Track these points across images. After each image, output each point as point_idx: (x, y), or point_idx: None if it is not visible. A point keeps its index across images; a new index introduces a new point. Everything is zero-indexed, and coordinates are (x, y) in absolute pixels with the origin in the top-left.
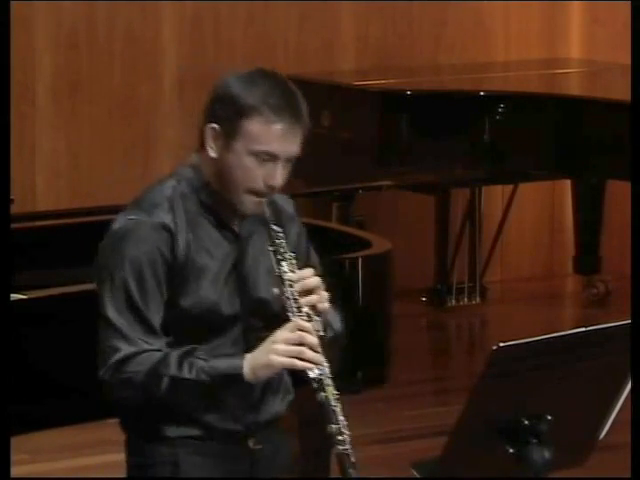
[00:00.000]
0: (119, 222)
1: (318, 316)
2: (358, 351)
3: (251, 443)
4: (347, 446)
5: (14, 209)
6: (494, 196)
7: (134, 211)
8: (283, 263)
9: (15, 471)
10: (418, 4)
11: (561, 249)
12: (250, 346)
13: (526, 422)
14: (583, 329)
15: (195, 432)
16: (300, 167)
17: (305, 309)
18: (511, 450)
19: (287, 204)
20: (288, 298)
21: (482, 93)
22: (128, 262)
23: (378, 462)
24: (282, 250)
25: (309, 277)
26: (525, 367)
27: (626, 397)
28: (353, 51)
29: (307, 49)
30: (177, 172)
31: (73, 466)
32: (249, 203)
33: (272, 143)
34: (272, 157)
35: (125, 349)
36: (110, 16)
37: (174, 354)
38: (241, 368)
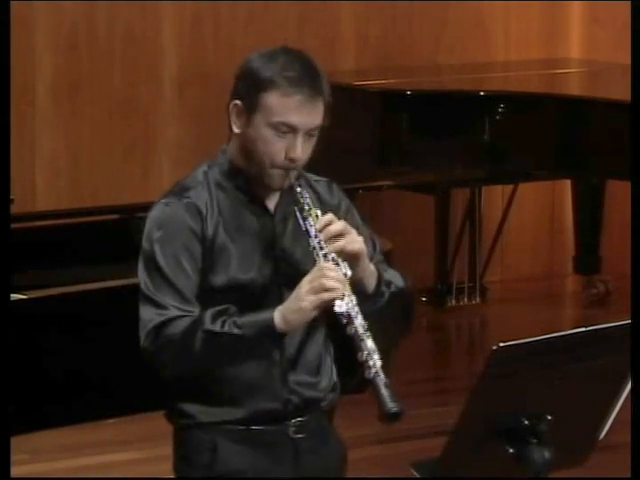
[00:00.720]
0: (154, 209)
1: (354, 265)
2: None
3: (291, 431)
4: (377, 368)
5: (14, 209)
6: (494, 196)
7: (167, 197)
8: (309, 218)
9: (15, 471)
10: (418, 4)
11: (561, 249)
12: None
13: (526, 422)
14: (583, 329)
15: (233, 415)
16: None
17: (332, 255)
18: (511, 450)
19: (328, 187)
20: (314, 248)
21: (482, 93)
22: (158, 240)
23: (378, 462)
24: (307, 207)
25: (332, 223)
26: (525, 367)
27: (626, 397)
28: (353, 51)
29: (307, 49)
30: (210, 160)
31: (73, 466)
32: (275, 176)
33: (290, 115)
34: (291, 129)
35: (160, 316)
36: (110, 16)
37: (208, 312)
38: (272, 318)
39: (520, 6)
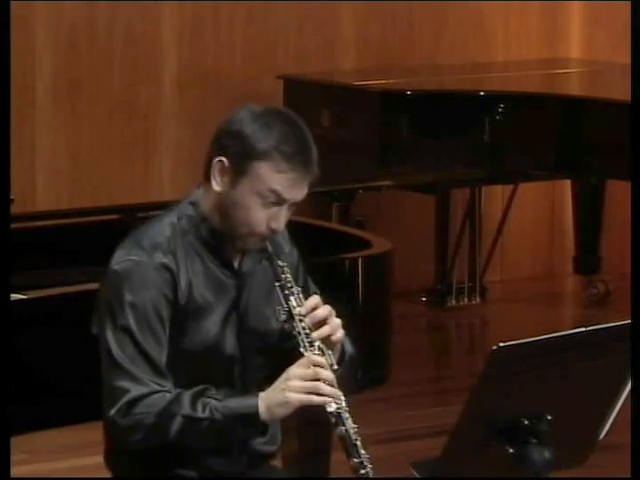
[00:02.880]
0: (119, 262)
1: (331, 349)
2: (358, 351)
3: (246, 472)
4: (365, 471)
5: (14, 209)
6: (494, 196)
7: (134, 250)
8: (291, 298)
9: (15, 471)
10: (418, 4)
11: (561, 249)
12: (247, 386)
13: (526, 422)
14: (583, 329)
15: (191, 474)
16: None
17: (317, 343)
18: (511, 450)
19: (282, 233)
20: (299, 333)
21: (482, 93)
22: (130, 306)
23: (378, 462)
24: (289, 285)
25: (317, 308)
26: (525, 367)
27: (626, 397)
28: (353, 51)
29: (307, 49)
30: (178, 208)
31: (73, 466)
32: (250, 242)
33: (281, 189)
34: (279, 201)
35: (135, 390)
36: (110, 16)
37: (187, 393)
38: (257, 407)
39: (520, 6)
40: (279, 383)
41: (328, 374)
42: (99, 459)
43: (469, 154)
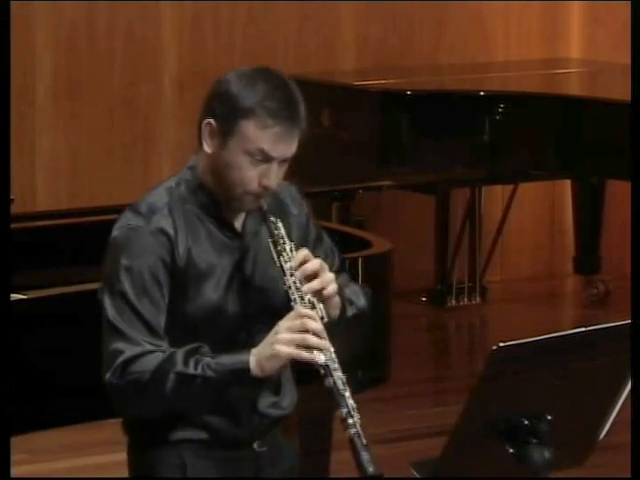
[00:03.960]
0: (118, 228)
1: (325, 303)
2: (358, 351)
3: (256, 445)
4: (357, 428)
5: (14, 209)
6: (494, 196)
7: (133, 217)
8: (283, 253)
9: (15, 471)
10: (418, 4)
11: (561, 249)
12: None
13: (526, 422)
14: (583, 329)
15: (201, 436)
16: (300, 167)
17: (308, 297)
18: (511, 450)
19: (290, 192)
20: (289, 287)
21: (482, 93)
22: (126, 270)
23: (378, 462)
24: (281, 241)
25: (308, 261)
26: (525, 367)
27: (626, 397)
28: (353, 51)
29: (307, 49)
30: (177, 175)
31: (73, 466)
32: (246, 201)
33: (267, 145)
34: (266, 158)
35: (129, 350)
36: (110, 16)
37: (180, 351)
38: (247, 362)
39: (520, 6)
40: (269, 337)
41: (316, 325)
42: (99, 459)
43: (469, 154)
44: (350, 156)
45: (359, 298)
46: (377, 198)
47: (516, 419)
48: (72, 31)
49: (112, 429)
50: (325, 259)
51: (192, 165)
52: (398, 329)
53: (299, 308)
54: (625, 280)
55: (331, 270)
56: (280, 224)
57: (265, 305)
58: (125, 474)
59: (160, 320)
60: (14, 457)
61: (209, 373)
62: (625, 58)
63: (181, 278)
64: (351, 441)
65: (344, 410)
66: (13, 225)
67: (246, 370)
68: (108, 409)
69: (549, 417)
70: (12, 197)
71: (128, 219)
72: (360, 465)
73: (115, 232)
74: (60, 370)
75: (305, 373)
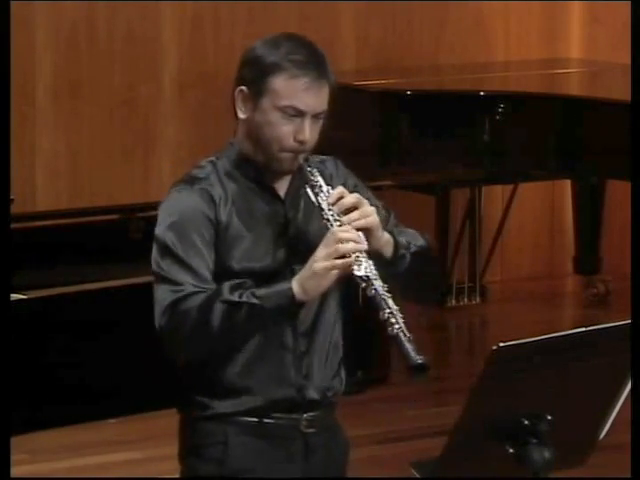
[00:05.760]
0: (166, 198)
1: (367, 236)
2: (358, 351)
3: (303, 426)
4: (401, 325)
5: (14, 209)
6: (494, 196)
7: (177, 185)
8: (321, 194)
9: (15, 471)
10: (418, 4)
11: (561, 249)
12: None
13: (526, 422)
14: (583, 329)
15: (245, 405)
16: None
17: (341, 219)
18: (511, 450)
19: (334, 165)
20: (327, 220)
21: (482, 93)
22: (170, 225)
23: (378, 462)
24: (318, 184)
25: (344, 196)
26: (525, 367)
27: (626, 397)
28: (353, 51)
29: None
30: (220, 152)
31: (73, 466)
32: (284, 160)
33: (297, 97)
34: (298, 112)
35: (177, 292)
36: (110, 16)
37: (225, 284)
38: (290, 287)
39: (520, 6)
40: (309, 261)
41: (349, 234)
42: (99, 459)
43: (469, 154)
44: (350, 156)
45: (417, 239)
46: (377, 198)
47: (516, 419)
48: (72, 31)
49: (112, 429)
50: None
51: (232, 141)
52: None
53: (333, 229)
54: (625, 280)
55: (386, 226)
56: (317, 172)
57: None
58: (125, 474)
59: (206, 269)
60: (14, 457)
61: (254, 300)
62: (625, 58)
63: (225, 237)
64: (396, 337)
65: (386, 311)
66: (13, 225)
67: (290, 295)
68: (108, 409)
69: (549, 417)
70: (12, 197)
71: (175, 188)
72: (407, 356)
73: (164, 201)
74: (60, 370)
75: None
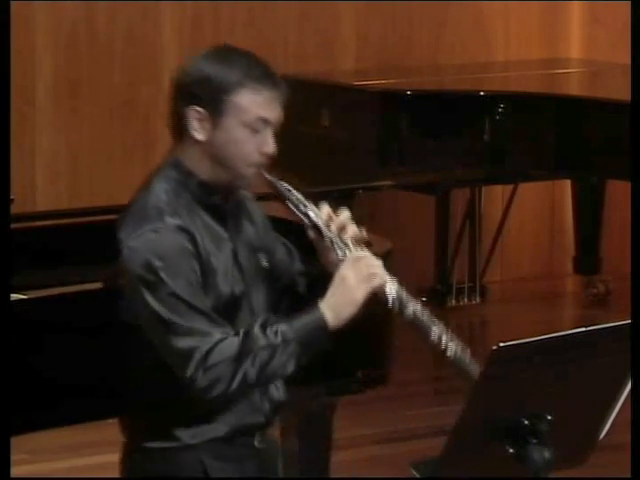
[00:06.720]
0: (134, 238)
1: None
2: (358, 351)
3: (257, 442)
4: (454, 349)
5: (14, 209)
6: (494, 196)
7: (143, 222)
8: (309, 207)
9: (15, 471)
10: (418, 4)
11: (561, 249)
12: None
13: (526, 422)
14: (583, 329)
15: (219, 432)
16: (300, 167)
17: (350, 243)
18: (511, 450)
19: (256, 206)
20: (330, 239)
21: (482, 93)
22: (165, 271)
23: (378, 462)
24: (303, 201)
25: (335, 212)
26: (525, 367)
27: (626, 397)
28: (353, 51)
29: (307, 49)
30: (161, 176)
31: (73, 466)
32: (249, 177)
33: (263, 110)
34: (264, 123)
35: (203, 343)
36: (110, 16)
37: (254, 328)
38: (323, 317)
39: (520, 6)
40: (336, 286)
41: (375, 260)
42: (99, 459)
43: (469, 154)
44: (350, 156)
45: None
46: (377, 198)
47: (516, 419)
48: (72, 31)
49: (112, 429)
50: (289, 253)
51: (174, 162)
52: (398, 329)
53: (355, 253)
54: (625, 280)
55: (294, 265)
56: (290, 186)
57: (257, 281)
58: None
59: (210, 307)
60: (14, 457)
61: (289, 336)
62: (625, 58)
63: (206, 272)
64: (454, 364)
65: (435, 336)
66: (13, 225)
67: (323, 325)
68: (108, 409)
69: (549, 417)
70: (12, 197)
71: (140, 226)
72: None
73: (132, 242)
74: (60, 370)
75: (304, 373)
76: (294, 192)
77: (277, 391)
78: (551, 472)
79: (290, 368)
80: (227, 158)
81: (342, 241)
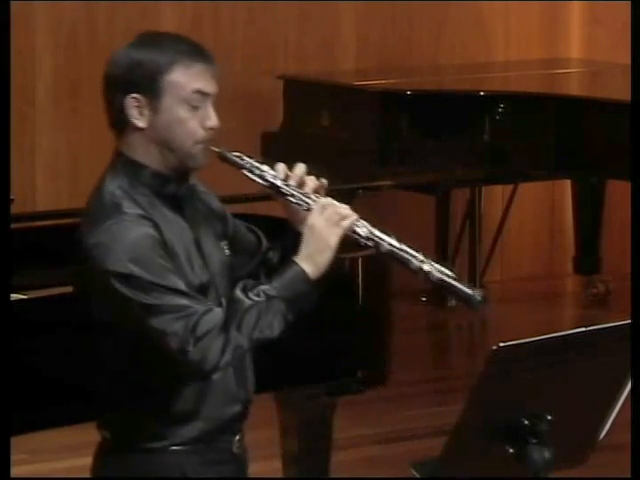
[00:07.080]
0: (94, 236)
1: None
2: (358, 351)
3: (235, 448)
4: (436, 267)
5: (14, 209)
6: (494, 196)
7: (101, 220)
8: (264, 169)
9: (15, 471)
10: (418, 4)
11: (561, 249)
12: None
13: (526, 422)
14: (583, 329)
15: (194, 430)
16: None
17: (312, 195)
18: (511, 450)
19: (215, 201)
20: (292, 195)
21: (482, 93)
22: (132, 260)
23: (378, 462)
24: (257, 165)
25: (292, 169)
26: (525, 367)
27: (626, 397)
28: (353, 51)
29: (307, 49)
30: (109, 174)
31: (73, 466)
32: (198, 155)
33: (197, 82)
34: (202, 97)
35: (189, 316)
36: (110, 16)
37: (236, 292)
38: (301, 267)
39: (520, 6)
40: (309, 238)
41: (341, 205)
42: None
43: (469, 154)
44: (350, 156)
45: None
46: (377, 198)
47: (516, 419)
48: (72, 31)
49: None
50: (256, 235)
51: (122, 157)
52: (398, 329)
53: (320, 201)
54: (625, 280)
55: (263, 245)
56: (244, 155)
57: (219, 270)
58: None
59: (184, 284)
60: (14, 457)
61: (272, 293)
62: (625, 58)
63: (171, 259)
64: (442, 283)
65: (414, 262)
66: (13, 225)
67: (303, 276)
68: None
69: (549, 417)
70: (12, 197)
71: (99, 224)
72: (465, 299)
73: (93, 239)
74: (60, 370)
75: (304, 374)
76: (246, 158)
77: (250, 381)
78: (551, 472)
79: (278, 328)
80: (172, 140)
81: (304, 195)
